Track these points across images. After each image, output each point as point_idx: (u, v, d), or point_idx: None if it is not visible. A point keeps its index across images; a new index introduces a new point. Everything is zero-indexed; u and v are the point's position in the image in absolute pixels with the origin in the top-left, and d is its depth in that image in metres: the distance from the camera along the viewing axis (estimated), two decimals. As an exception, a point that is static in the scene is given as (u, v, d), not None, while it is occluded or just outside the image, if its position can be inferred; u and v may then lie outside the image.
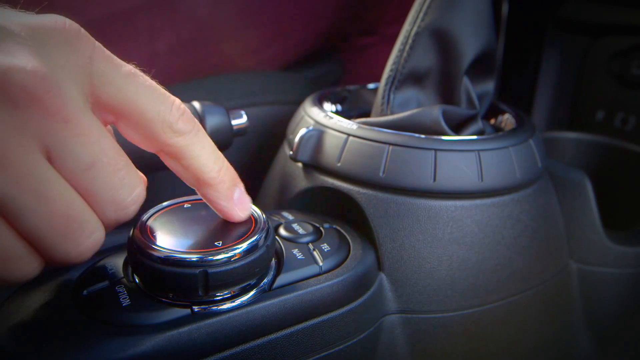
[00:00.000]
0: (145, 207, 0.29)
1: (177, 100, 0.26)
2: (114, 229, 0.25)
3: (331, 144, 0.35)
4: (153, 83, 0.26)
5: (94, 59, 0.24)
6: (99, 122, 0.24)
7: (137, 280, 0.28)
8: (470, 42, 0.37)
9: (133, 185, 0.24)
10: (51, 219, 0.22)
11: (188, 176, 0.27)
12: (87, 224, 0.23)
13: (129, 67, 0.25)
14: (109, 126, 0.27)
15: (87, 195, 0.23)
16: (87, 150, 0.23)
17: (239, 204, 0.28)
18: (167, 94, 0.26)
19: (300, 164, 0.37)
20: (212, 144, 0.27)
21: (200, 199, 0.29)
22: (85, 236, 0.23)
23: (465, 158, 0.33)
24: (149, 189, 0.28)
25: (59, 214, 0.22)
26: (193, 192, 0.29)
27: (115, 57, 0.25)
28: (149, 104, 0.25)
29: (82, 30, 0.24)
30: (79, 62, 0.23)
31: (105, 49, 0.25)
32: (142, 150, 0.27)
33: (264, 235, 0.28)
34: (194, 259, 0.25)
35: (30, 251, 0.23)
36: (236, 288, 0.27)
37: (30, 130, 0.21)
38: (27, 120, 0.21)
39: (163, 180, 0.40)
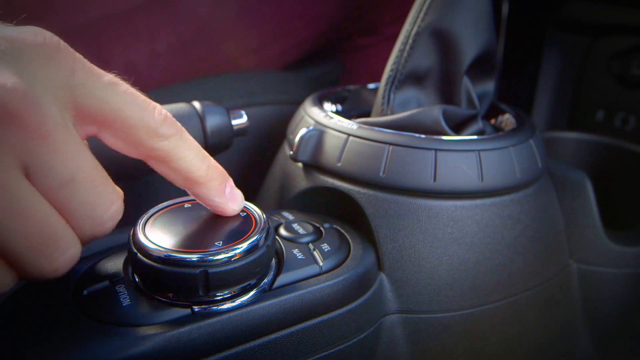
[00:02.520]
0: (145, 207, 0.29)
1: (159, 106, 0.26)
2: (89, 242, 0.25)
3: (331, 144, 0.35)
4: (134, 90, 0.26)
5: (75, 72, 0.24)
6: (78, 137, 0.24)
7: (137, 280, 0.28)
8: (471, 42, 0.37)
9: (111, 201, 0.24)
10: (26, 236, 0.22)
11: (178, 178, 0.27)
12: (63, 240, 0.23)
13: (110, 77, 0.25)
14: (84, 140, 0.27)
15: (64, 211, 0.23)
16: (65, 167, 0.23)
17: (231, 199, 0.29)
18: (149, 100, 0.26)
19: (300, 164, 0.37)
20: (197, 144, 0.28)
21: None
22: (60, 253, 0.23)
23: (466, 158, 0.33)
24: (148, 189, 0.28)
25: (34, 230, 0.22)
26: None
27: (95, 68, 0.25)
28: (132, 111, 0.25)
29: (62, 43, 0.24)
30: (59, 76, 0.23)
31: (85, 60, 0.25)
32: (123, 158, 0.27)
33: (264, 235, 0.28)
34: (194, 259, 0.25)
35: (3, 265, 0.22)
36: (236, 288, 0.27)
37: (8, 147, 0.21)
38: (6, 137, 0.21)
39: (162, 180, 0.40)
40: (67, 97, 0.23)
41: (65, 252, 0.23)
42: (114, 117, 0.25)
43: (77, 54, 0.24)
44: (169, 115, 0.27)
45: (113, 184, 0.25)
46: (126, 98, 0.25)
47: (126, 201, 0.27)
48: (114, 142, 0.26)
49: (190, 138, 0.28)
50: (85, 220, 0.24)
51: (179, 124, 0.27)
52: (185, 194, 0.30)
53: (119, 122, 0.25)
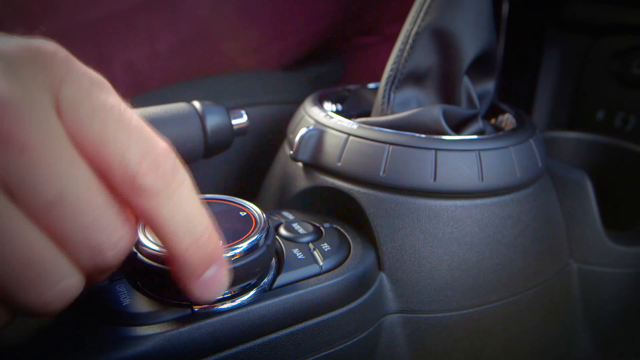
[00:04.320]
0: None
1: (160, 147, 0.21)
2: (101, 280, 0.22)
3: (331, 143, 0.35)
4: (133, 122, 0.21)
5: (63, 83, 0.20)
6: (72, 151, 0.20)
7: (137, 279, 0.27)
8: (471, 41, 0.37)
9: (112, 227, 0.21)
10: (8, 264, 0.19)
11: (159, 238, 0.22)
12: (52, 269, 0.20)
13: (104, 99, 0.21)
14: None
15: (55, 237, 0.20)
16: (50, 184, 0.19)
17: (205, 286, 0.23)
18: (150, 138, 0.21)
19: (300, 164, 0.37)
20: (195, 204, 0.22)
21: (201, 199, 0.29)
22: (50, 284, 0.20)
23: (466, 158, 0.33)
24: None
25: (16, 257, 0.19)
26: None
27: (93, 85, 0.21)
28: (115, 143, 0.20)
29: (62, 51, 0.21)
30: (47, 84, 0.20)
31: (85, 73, 0.21)
32: None
33: (264, 235, 0.28)
34: (194, 259, 0.25)
35: None
36: (236, 287, 0.27)
37: None
38: None
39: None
40: (56, 107, 0.20)
41: (57, 284, 0.20)
42: (94, 145, 0.20)
43: (75, 67, 0.21)
44: (167, 163, 0.21)
45: (118, 207, 0.21)
46: (114, 127, 0.20)
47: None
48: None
49: (189, 195, 0.22)
50: (81, 248, 0.20)
51: (177, 176, 0.21)
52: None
53: (97, 152, 0.20)
